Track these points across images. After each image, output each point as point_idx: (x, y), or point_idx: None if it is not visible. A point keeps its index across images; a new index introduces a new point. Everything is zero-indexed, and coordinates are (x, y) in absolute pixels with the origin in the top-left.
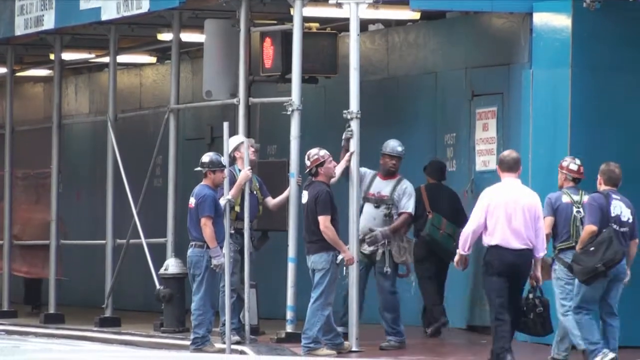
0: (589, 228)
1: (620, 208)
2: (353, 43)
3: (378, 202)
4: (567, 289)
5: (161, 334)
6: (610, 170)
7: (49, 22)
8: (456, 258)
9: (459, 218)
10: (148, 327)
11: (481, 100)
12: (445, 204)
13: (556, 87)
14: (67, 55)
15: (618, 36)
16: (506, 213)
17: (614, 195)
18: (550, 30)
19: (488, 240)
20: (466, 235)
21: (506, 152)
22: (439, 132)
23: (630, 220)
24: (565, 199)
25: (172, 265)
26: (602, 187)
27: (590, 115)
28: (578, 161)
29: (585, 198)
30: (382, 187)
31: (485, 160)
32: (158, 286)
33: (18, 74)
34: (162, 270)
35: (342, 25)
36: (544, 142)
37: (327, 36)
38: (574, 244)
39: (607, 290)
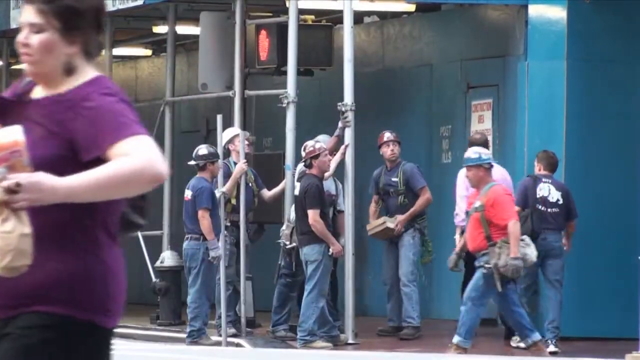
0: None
1: (548, 190)
2: (347, 35)
3: None
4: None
5: (157, 326)
6: (549, 157)
7: None
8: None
9: None
10: (144, 320)
11: (477, 93)
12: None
13: (551, 79)
14: None
15: (613, 28)
16: None
17: (544, 179)
18: (545, 22)
19: None
20: None
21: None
22: (434, 124)
23: (561, 202)
24: None
25: (167, 258)
26: (542, 172)
27: (585, 107)
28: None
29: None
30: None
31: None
32: (154, 279)
33: (14, 67)
34: (157, 263)
35: (337, 17)
36: (539, 134)
37: (322, 28)
38: None
39: (543, 266)
